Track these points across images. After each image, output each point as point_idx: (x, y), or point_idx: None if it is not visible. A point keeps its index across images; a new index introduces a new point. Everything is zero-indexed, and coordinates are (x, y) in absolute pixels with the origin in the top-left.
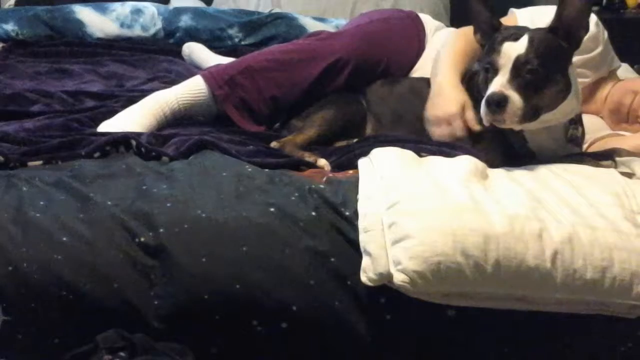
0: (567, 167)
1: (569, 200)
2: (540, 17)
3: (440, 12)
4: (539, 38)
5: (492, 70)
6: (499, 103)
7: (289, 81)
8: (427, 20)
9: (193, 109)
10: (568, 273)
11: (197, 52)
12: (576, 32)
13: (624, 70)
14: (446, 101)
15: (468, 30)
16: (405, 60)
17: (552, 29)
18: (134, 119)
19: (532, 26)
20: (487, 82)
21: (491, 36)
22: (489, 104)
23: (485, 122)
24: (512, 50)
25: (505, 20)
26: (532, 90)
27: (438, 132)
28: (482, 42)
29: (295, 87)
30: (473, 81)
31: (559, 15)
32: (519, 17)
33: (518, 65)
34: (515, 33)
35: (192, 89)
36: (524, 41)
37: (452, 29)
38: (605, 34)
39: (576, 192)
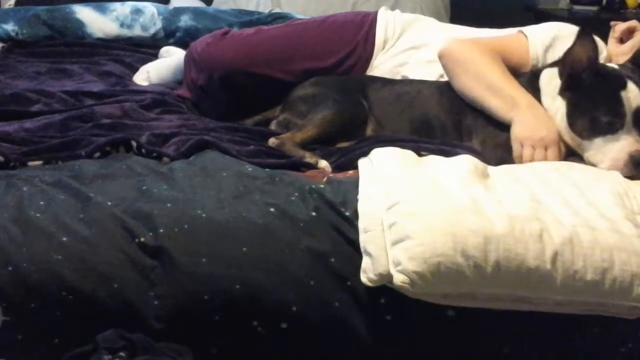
0: (568, 166)
1: (570, 200)
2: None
3: (440, 12)
4: None
5: (617, 123)
6: None
7: None
8: (391, 19)
9: None
10: (568, 274)
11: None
12: None
13: None
14: (546, 125)
15: (482, 44)
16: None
17: None
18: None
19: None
20: (608, 132)
21: (579, 77)
22: (638, 164)
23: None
24: (631, 101)
25: (515, 41)
26: None
27: (528, 154)
28: (569, 84)
29: None
30: None
31: None
32: (530, 38)
33: (638, 118)
34: (613, 75)
35: None
36: (635, 89)
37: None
38: None
39: (577, 192)
